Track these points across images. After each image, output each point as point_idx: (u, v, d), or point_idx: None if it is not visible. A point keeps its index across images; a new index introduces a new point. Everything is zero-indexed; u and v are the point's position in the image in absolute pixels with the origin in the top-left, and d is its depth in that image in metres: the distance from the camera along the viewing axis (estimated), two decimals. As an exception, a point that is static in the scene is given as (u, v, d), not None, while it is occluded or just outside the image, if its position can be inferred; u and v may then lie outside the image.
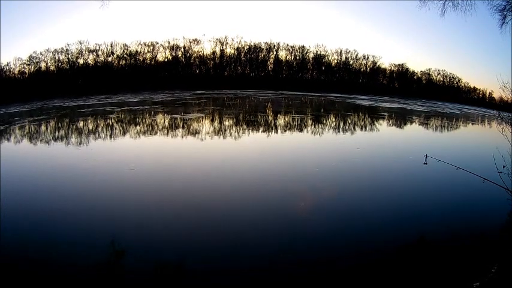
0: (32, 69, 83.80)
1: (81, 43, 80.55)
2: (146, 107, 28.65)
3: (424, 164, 9.15)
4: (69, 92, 56.75)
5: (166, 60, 69.85)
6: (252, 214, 6.09)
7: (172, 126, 17.39)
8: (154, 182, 7.75)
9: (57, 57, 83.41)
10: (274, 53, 68.81)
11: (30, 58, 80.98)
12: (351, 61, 74.50)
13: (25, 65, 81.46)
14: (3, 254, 4.68)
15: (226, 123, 19.10)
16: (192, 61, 68.01)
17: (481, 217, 6.47)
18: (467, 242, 5.21)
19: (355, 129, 18.78)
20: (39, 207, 6.28)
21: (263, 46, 67.93)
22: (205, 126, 17.73)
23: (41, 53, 79.47)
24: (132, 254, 4.67)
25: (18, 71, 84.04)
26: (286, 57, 69.56)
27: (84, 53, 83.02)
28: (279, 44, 69.17)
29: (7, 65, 79.40)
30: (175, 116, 22.22)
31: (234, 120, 20.28)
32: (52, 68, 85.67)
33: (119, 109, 26.27)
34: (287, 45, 69.70)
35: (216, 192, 7.17)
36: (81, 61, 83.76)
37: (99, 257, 4.56)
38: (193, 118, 20.23)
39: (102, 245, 4.79)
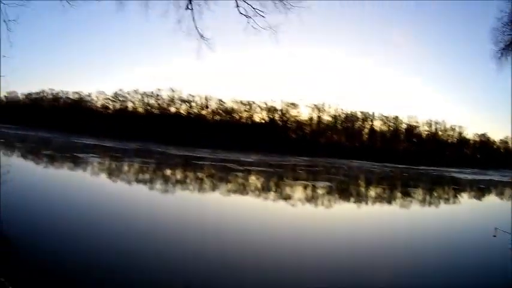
0: (118, 107, 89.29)
1: (173, 91, 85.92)
2: (269, 169, 30.94)
3: (493, 236, 9.07)
4: (159, 138, 59.75)
5: (263, 121, 73.92)
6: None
7: (314, 197, 19.00)
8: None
9: (146, 100, 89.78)
10: (370, 122, 71.73)
11: (116, 95, 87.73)
12: (440, 132, 76.04)
13: (110, 101, 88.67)
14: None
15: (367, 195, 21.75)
16: (289, 125, 71.58)
17: None
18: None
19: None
20: None
21: (359, 115, 71.16)
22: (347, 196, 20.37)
23: (128, 92, 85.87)
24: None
25: (101, 105, 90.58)
26: (380, 127, 72.41)
27: (176, 101, 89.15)
28: (373, 113, 71.99)
29: (89, 95, 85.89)
30: (308, 183, 24.10)
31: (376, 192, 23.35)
32: (140, 110, 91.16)
33: (242, 168, 28.22)
34: (381, 115, 72.52)
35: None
36: (172, 109, 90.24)
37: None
38: (332, 187, 22.63)
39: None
